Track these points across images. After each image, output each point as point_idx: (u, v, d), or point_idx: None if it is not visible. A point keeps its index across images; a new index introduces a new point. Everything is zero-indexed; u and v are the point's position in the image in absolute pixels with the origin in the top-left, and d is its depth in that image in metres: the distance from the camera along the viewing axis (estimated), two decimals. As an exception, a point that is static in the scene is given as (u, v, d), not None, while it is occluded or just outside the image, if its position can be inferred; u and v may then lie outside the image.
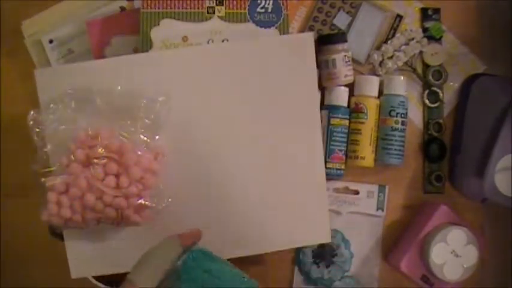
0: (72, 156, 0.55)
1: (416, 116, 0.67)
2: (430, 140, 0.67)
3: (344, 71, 0.63)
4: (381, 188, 0.66)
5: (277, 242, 0.60)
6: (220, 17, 0.62)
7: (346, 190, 0.66)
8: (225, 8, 0.62)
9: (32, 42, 0.64)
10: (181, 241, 0.49)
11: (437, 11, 0.67)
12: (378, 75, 0.66)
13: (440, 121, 0.67)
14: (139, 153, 0.55)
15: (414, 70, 0.67)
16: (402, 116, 0.63)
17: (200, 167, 0.59)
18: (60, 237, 0.59)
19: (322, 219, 0.61)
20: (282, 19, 0.62)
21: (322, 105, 0.64)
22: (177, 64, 0.59)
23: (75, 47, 0.65)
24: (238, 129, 0.60)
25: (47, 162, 0.57)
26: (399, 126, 0.63)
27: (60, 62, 0.64)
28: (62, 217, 0.55)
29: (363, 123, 0.64)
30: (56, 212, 0.55)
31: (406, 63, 0.66)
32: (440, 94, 0.67)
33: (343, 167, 0.64)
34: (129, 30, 0.63)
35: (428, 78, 0.67)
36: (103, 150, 0.55)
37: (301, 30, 0.66)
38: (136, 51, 0.63)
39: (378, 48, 0.66)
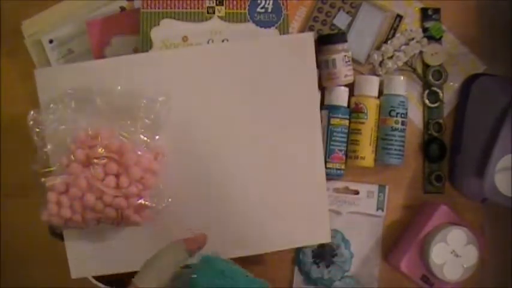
0: (72, 156, 0.55)
1: (416, 116, 0.67)
2: (430, 140, 0.67)
3: (344, 71, 0.63)
4: (381, 188, 0.66)
5: (277, 242, 0.60)
6: (220, 17, 0.62)
7: (346, 190, 0.66)
8: (225, 8, 0.62)
9: (32, 42, 0.64)
10: (186, 245, 0.49)
11: (437, 11, 0.67)
12: (378, 75, 0.66)
13: (440, 121, 0.67)
14: (139, 153, 0.56)
15: (414, 70, 0.67)
16: (402, 116, 0.63)
17: (200, 167, 0.59)
18: (60, 237, 0.59)
19: (322, 219, 0.61)
20: (282, 19, 0.62)
21: (322, 105, 0.64)
22: (177, 64, 0.59)
23: (75, 47, 0.65)
24: (238, 129, 0.60)
25: (47, 162, 0.57)
26: (399, 126, 0.63)
27: (60, 62, 0.64)
28: (62, 217, 0.55)
29: (363, 123, 0.64)
30: (56, 212, 0.55)
31: (406, 63, 0.66)
32: (440, 94, 0.67)
33: (343, 167, 0.64)
34: (129, 30, 0.63)
35: (428, 78, 0.67)
36: (103, 150, 0.55)
37: (301, 30, 0.66)
38: (136, 51, 0.63)
39: (378, 48, 0.66)
